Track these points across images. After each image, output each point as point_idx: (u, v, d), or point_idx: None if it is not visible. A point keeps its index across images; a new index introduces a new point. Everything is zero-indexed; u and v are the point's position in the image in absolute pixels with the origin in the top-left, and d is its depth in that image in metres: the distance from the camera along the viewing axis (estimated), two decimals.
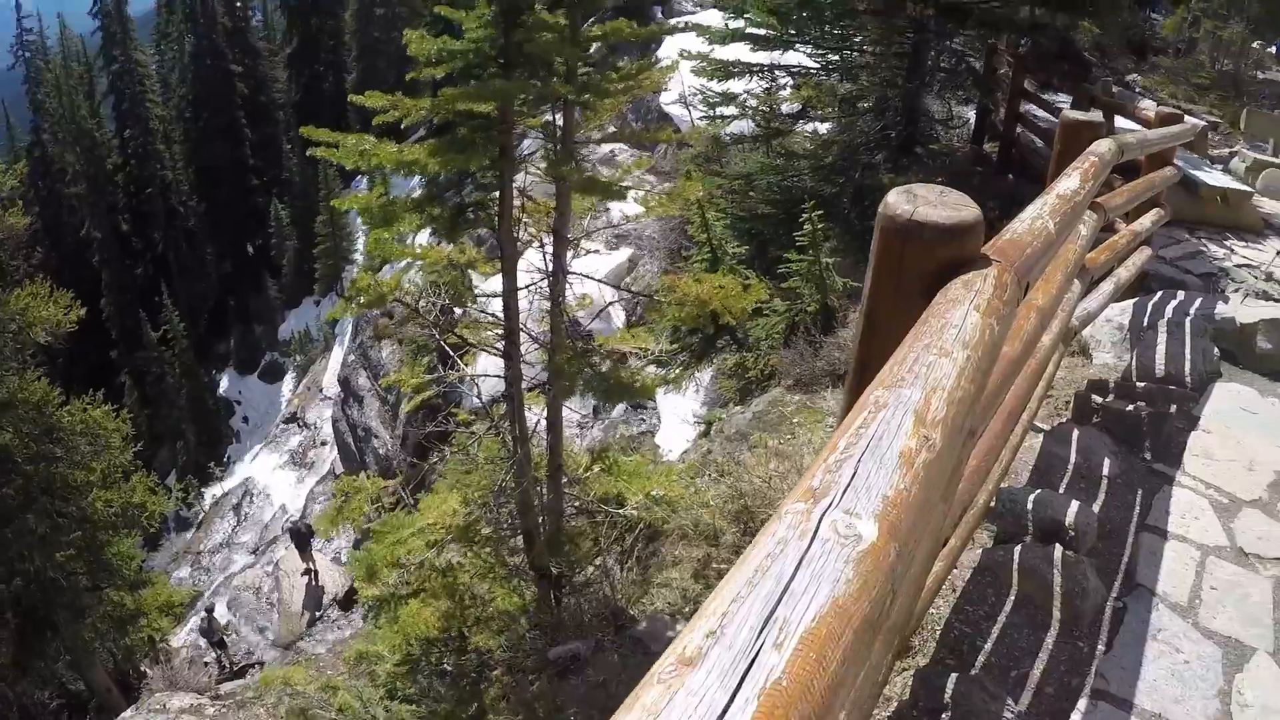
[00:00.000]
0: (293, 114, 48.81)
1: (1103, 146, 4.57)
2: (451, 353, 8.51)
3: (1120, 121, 10.60)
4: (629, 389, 7.11)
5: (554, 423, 7.87)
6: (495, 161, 6.61)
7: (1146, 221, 7.35)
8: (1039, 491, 4.54)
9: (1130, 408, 5.64)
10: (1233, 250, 10.21)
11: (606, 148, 34.69)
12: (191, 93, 48.16)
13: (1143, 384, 6.27)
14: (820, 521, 1.11)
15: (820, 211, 10.91)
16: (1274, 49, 37.24)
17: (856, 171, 12.50)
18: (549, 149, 6.72)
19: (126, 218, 46.77)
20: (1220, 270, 9.29)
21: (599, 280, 8.16)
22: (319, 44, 50.47)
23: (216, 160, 47.58)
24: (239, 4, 50.53)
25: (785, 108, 14.40)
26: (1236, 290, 8.53)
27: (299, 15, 50.38)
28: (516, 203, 7.03)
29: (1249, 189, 11.76)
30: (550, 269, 7.09)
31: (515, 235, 7.02)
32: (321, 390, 33.72)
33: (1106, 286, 6.50)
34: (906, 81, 12.71)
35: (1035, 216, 2.76)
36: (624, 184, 6.52)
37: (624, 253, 18.72)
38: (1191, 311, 7.28)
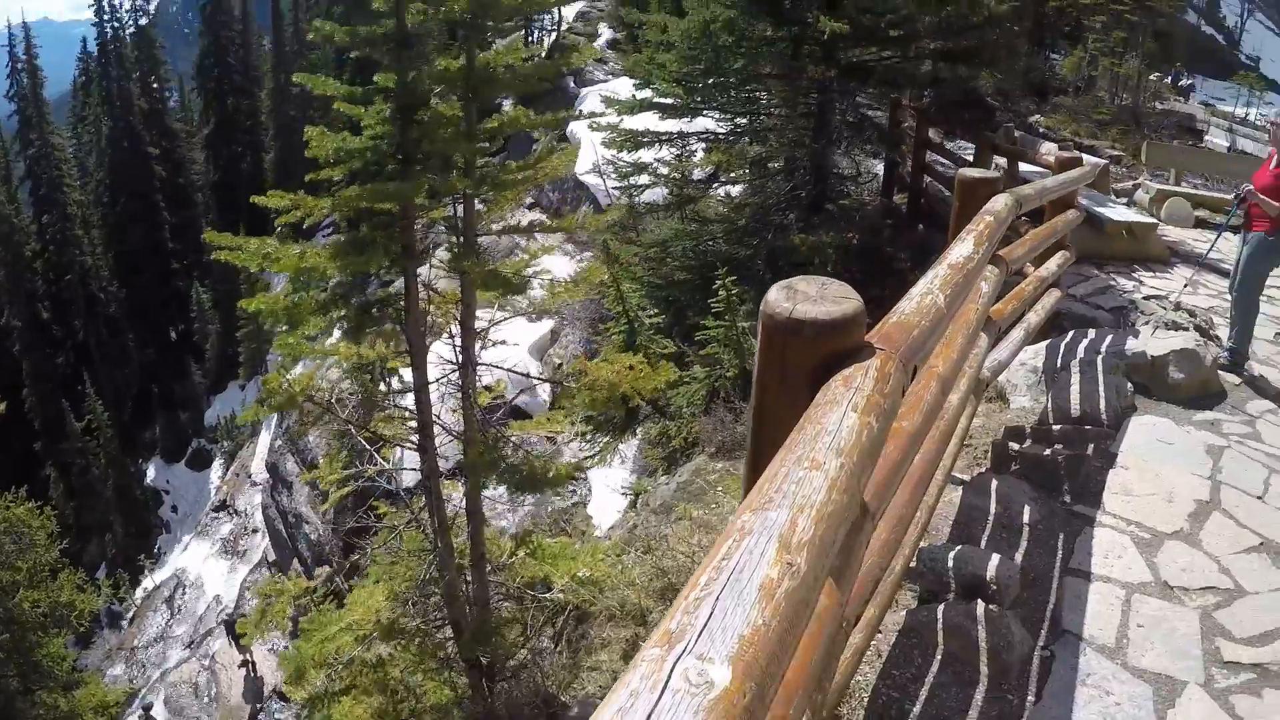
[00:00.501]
0: (212, 195, 48.40)
1: (999, 204, 4.65)
2: (369, 446, 8.42)
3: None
4: (543, 479, 7.09)
5: (474, 511, 7.80)
6: (398, 258, 6.60)
7: (1053, 265, 7.55)
8: (959, 548, 4.57)
9: (1047, 452, 5.73)
10: (1142, 282, 10.45)
11: (525, 219, 34.89)
12: (109, 176, 47.55)
13: (1059, 426, 6.38)
14: (672, 670, 1.11)
15: (734, 276, 11.02)
16: (1170, 79, 38.83)
17: (769, 233, 12.64)
18: (452, 242, 6.72)
19: (46, 305, 45.76)
20: (1130, 303, 9.44)
21: (508, 370, 8.14)
22: (236, 124, 50.25)
23: (136, 244, 46.89)
24: (155, 85, 50.13)
25: (698, 173, 14.57)
26: (1147, 323, 8.65)
27: (215, 96, 50.17)
28: (423, 296, 7.01)
29: (1153, 220, 12.07)
30: (459, 361, 7.07)
31: (423, 329, 6.99)
32: (250, 476, 33.03)
33: (1017, 334, 6.63)
34: (813, 141, 12.93)
35: (924, 292, 2.80)
36: (528, 273, 6.53)
37: (546, 324, 18.73)
38: (1103, 349, 7.42)
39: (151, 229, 47.62)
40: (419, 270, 7.16)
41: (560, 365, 16.73)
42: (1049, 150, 12.21)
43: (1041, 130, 23.38)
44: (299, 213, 6.76)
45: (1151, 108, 28.50)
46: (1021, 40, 27.77)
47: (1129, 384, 6.78)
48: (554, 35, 47.42)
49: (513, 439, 7.59)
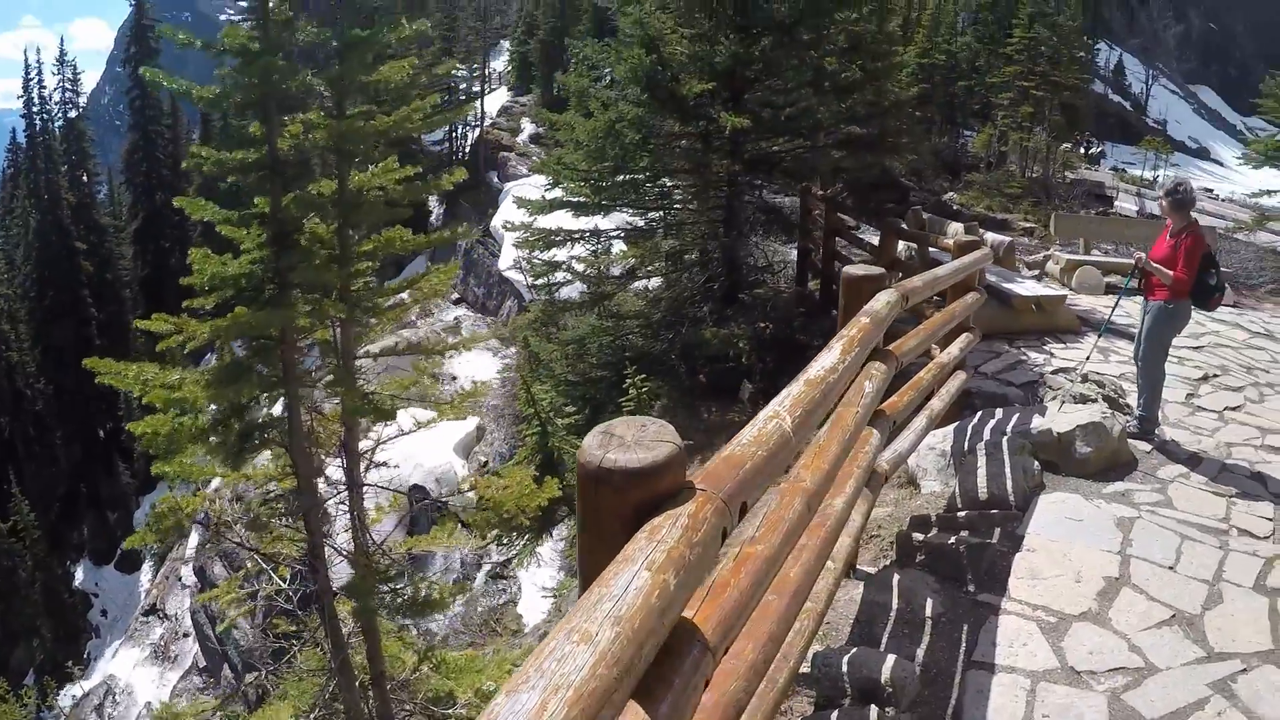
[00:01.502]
0: (140, 291, 47.76)
1: (879, 303, 4.65)
2: (265, 565, 8.26)
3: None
4: (426, 604, 6.98)
5: (369, 630, 7.65)
6: (277, 383, 6.54)
7: (955, 349, 7.56)
8: (855, 650, 4.48)
9: (951, 541, 5.64)
10: (1053, 354, 10.53)
11: (451, 315, 34.99)
12: (36, 270, 46.72)
13: (965, 512, 6.29)
14: None
15: (644, 374, 11.07)
16: (1080, 148, 40.13)
17: (684, 326, 12.74)
18: (332, 365, 6.68)
19: None
20: (1040, 377, 9.49)
21: (394, 490, 8.04)
22: (165, 219, 49.75)
23: (63, 340, 45.93)
24: (84, 178, 49.66)
25: (616, 268, 14.64)
26: (1054, 397, 8.66)
27: (144, 190, 49.74)
28: (308, 418, 6.94)
29: (1061, 292, 12.21)
30: (346, 483, 6.98)
31: (309, 450, 6.91)
32: (180, 579, 32.20)
33: (919, 422, 6.56)
34: (724, 234, 13.12)
35: (770, 417, 2.73)
36: (408, 397, 6.49)
37: (472, 422, 18.66)
38: (1009, 429, 7.42)
39: (79, 324, 46.72)
40: (309, 390, 7.10)
41: (486, 463, 16.64)
42: (955, 231, 12.50)
43: (956, 206, 24.08)
44: (180, 337, 6.69)
45: (1062, 178, 29.44)
46: (924, 123, 28.76)
47: (1035, 463, 6.73)
48: (477, 131, 48.16)
49: (408, 555, 7.47)
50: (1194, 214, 7.60)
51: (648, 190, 13.32)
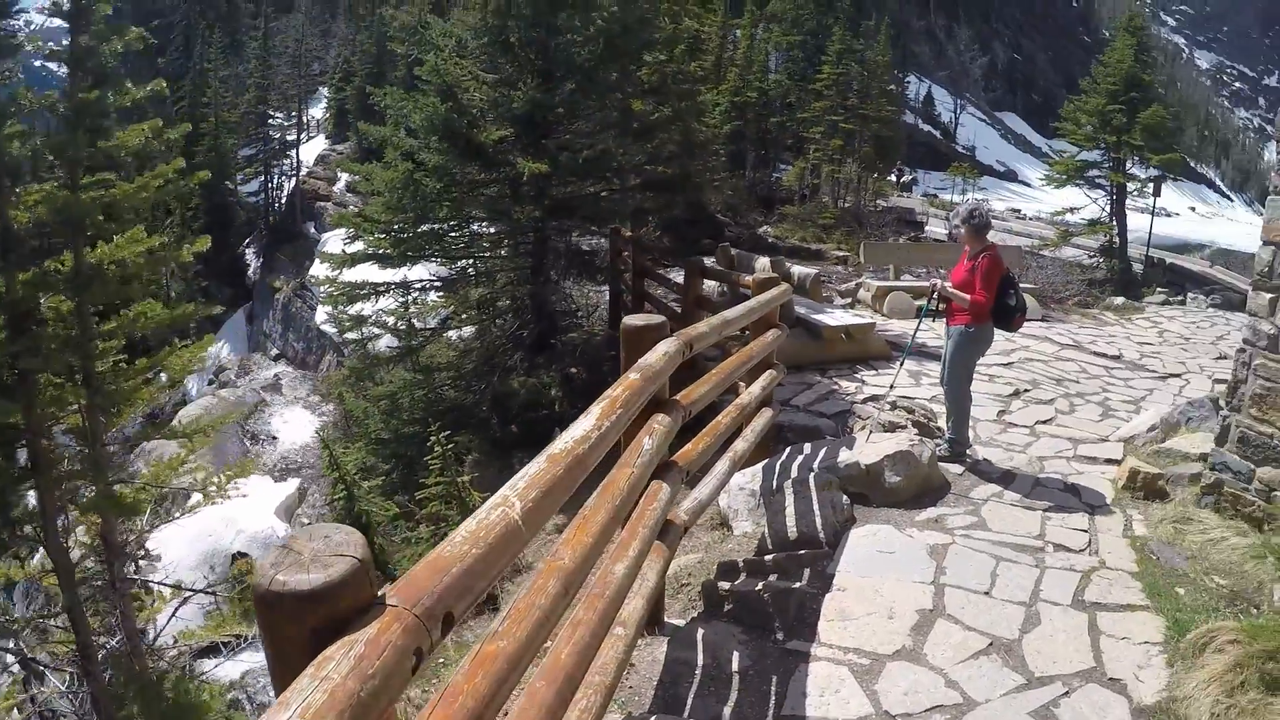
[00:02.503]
0: None
1: (655, 355, 4.38)
2: (42, 666, 7.53)
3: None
4: (185, 708, 6.41)
5: None
6: (27, 474, 5.94)
7: (756, 389, 7.34)
8: (653, 718, 4.22)
9: (759, 586, 5.42)
10: (864, 382, 10.63)
11: (270, 372, 33.79)
12: None
13: (771, 556, 6.04)
14: None
15: (457, 428, 10.71)
16: (893, 176, 41.78)
17: (495, 376, 12.41)
18: (82, 454, 6.12)
19: None
20: (851, 406, 9.51)
21: (158, 584, 7.47)
22: None
23: None
24: None
25: (433, 319, 14.20)
26: (863, 428, 8.66)
27: None
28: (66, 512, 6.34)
29: (869, 320, 12.40)
30: (107, 578, 6.40)
31: (67, 546, 6.30)
32: None
33: (722, 466, 6.22)
34: (532, 279, 12.89)
35: (494, 505, 2.42)
36: (163, 488, 5.98)
37: (293, 484, 17.90)
38: (816, 465, 7.24)
39: None
40: (71, 481, 6.48)
41: (307, 524, 15.85)
42: (763, 267, 12.60)
43: (771, 240, 24.55)
44: None
45: (874, 206, 30.46)
46: (739, 159, 29.42)
47: (844, 497, 6.62)
48: (294, 180, 46.83)
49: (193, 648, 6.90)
50: (991, 236, 7.69)
51: (453, 239, 12.96)
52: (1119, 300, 19.65)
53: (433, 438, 10.15)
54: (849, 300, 17.27)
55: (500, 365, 12.56)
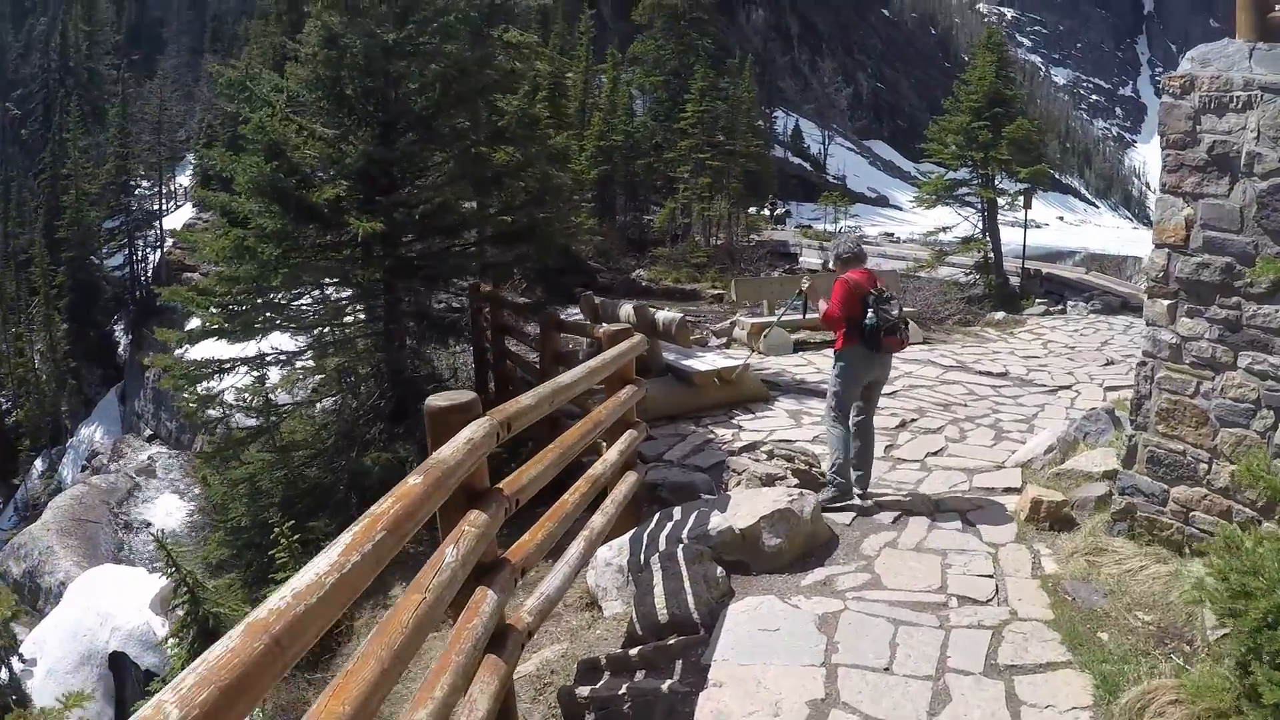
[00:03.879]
0: None
1: (454, 445, 3.60)
2: None
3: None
4: None
5: None
6: None
7: (612, 455, 6.48)
8: None
9: (623, 690, 4.72)
10: (741, 428, 10.05)
11: (144, 455, 32.13)
12: None
13: (638, 650, 5.27)
14: None
15: (317, 511, 9.89)
16: (765, 210, 42.10)
17: (355, 451, 11.53)
18: None
19: None
20: (726, 459, 8.79)
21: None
22: None
23: None
24: None
25: (293, 391, 13.23)
26: (739, 483, 8.08)
27: None
28: None
29: (742, 362, 11.77)
30: None
31: None
32: None
33: (574, 549, 5.55)
34: (385, 346, 12.09)
35: (156, 704, 1.68)
36: None
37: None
38: (686, 534, 6.45)
39: None
40: None
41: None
42: (627, 315, 11.97)
43: (645, 283, 24.21)
44: None
45: (748, 241, 30.42)
46: (607, 203, 29.12)
47: (719, 569, 5.90)
48: (159, 252, 44.93)
49: None
50: (870, 263, 7.60)
51: (302, 308, 12.08)
52: (999, 315, 19.57)
53: (277, 529, 9.24)
54: (724, 340, 16.84)
55: (359, 438, 11.67)
